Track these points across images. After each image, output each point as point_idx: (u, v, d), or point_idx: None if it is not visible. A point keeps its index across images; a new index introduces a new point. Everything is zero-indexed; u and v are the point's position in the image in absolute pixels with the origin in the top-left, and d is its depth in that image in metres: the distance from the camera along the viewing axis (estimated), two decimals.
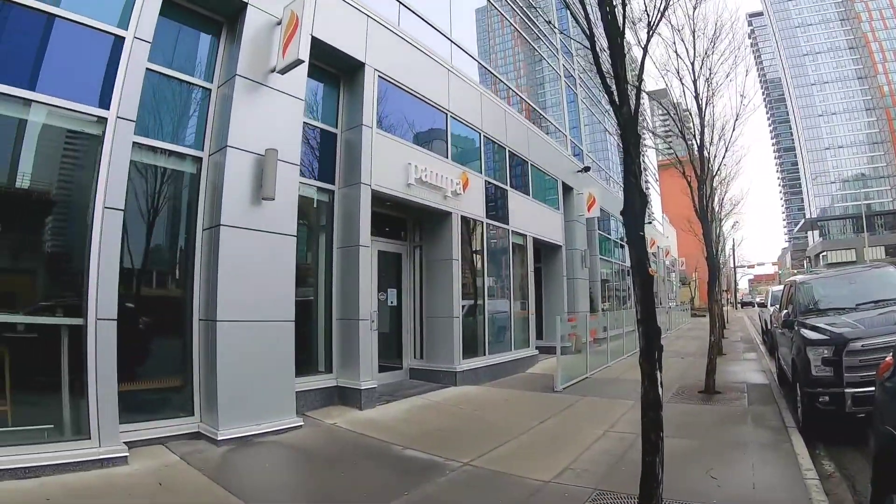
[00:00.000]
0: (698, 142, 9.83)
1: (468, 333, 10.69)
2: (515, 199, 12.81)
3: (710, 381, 8.87)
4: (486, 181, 11.52)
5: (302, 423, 6.71)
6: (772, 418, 7.03)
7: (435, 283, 10.36)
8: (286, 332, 6.87)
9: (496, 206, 12.14)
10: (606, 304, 20.75)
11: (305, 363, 7.99)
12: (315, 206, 8.56)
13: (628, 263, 24.98)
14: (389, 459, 5.71)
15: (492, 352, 11.12)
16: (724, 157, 10.23)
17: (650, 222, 30.68)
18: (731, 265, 23.47)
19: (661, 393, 3.56)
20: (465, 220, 10.74)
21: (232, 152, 6.41)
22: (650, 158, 35.21)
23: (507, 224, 12.35)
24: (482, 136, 11.65)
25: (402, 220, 10.77)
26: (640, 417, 3.60)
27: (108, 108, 5.29)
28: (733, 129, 10.75)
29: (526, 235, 13.21)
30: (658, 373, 3.53)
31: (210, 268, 6.32)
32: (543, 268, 15.88)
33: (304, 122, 7.83)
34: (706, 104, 9.84)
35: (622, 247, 24.14)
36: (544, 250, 15.59)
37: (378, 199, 8.82)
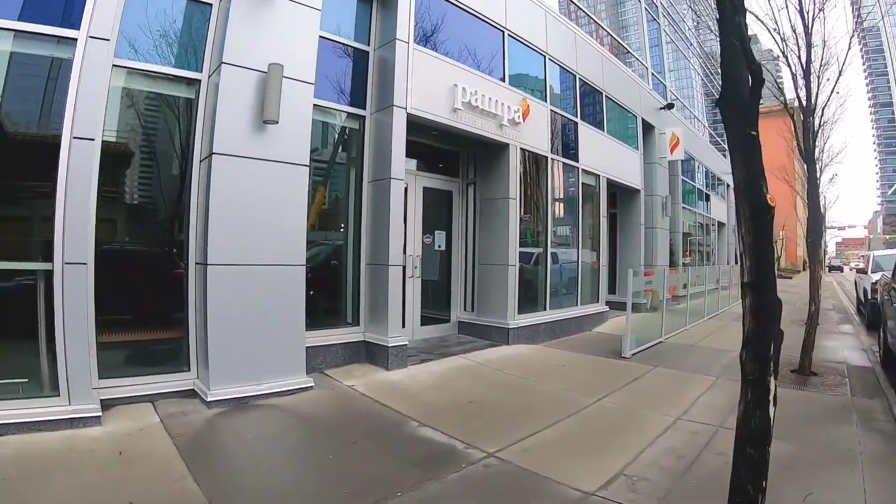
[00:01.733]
0: (804, 65, 7.86)
1: (526, 285, 9.41)
2: (587, 134, 11.18)
3: (807, 359, 7.32)
4: (551, 111, 9.96)
5: (312, 384, 5.82)
6: (882, 418, 5.45)
7: (489, 226, 9.07)
8: (295, 279, 5.89)
9: (564, 140, 10.59)
10: (688, 258, 18.82)
11: (330, 314, 7.18)
12: (342, 133, 7.52)
13: (713, 215, 23.17)
14: (398, 439, 4.61)
15: (553, 306, 9.79)
16: (835, 84, 8.16)
17: None
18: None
19: (772, 416, 2.31)
20: (525, 155, 9.31)
21: (227, 70, 5.48)
22: None
23: (577, 161, 10.79)
24: (547, 60, 10.02)
25: (454, 153, 9.46)
26: (733, 452, 2.40)
27: (78, 28, 4.55)
28: (848, 49, 8.58)
29: (598, 176, 11.60)
30: (772, 381, 2.37)
31: (204, 204, 5.45)
32: (619, 214, 14.20)
33: (331, 40, 6.93)
34: (812, 20, 7.83)
35: (707, 197, 21.95)
36: (620, 194, 13.92)
37: (418, 126, 7.62)
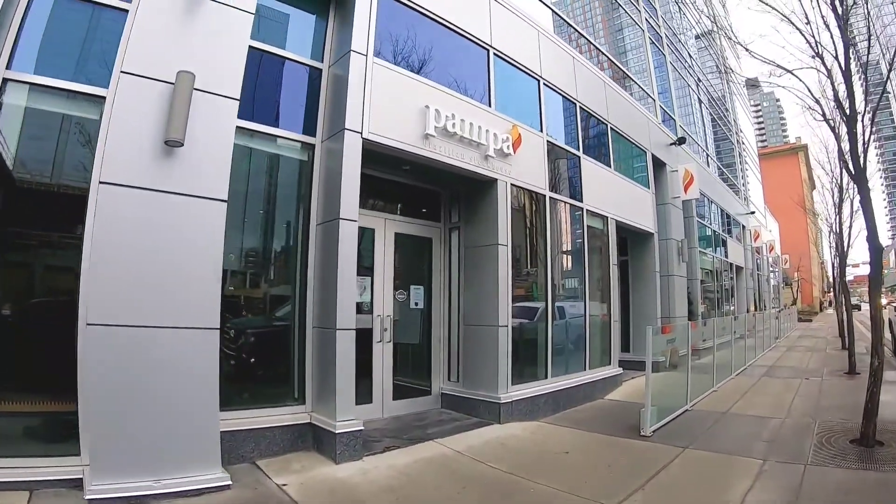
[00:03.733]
0: (842, 65, 6.47)
1: (523, 348, 7.85)
2: (591, 170, 9.74)
3: (871, 426, 5.67)
4: (548, 142, 8.55)
5: (229, 482, 4.44)
6: None
7: (476, 279, 7.56)
8: (205, 346, 4.57)
9: (565, 176, 9.18)
10: (703, 306, 17.14)
11: (270, 389, 5.81)
12: (287, 165, 6.14)
13: (731, 259, 21.55)
14: None
15: (557, 373, 8.14)
16: (886, 81, 6.76)
17: (752, 212, 26.46)
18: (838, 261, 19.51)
19: None
20: (518, 193, 7.87)
21: (126, 81, 4.38)
22: (748, 140, 30.88)
23: (581, 201, 9.31)
24: (541, 84, 8.67)
25: (433, 193, 8.06)
26: None
27: None
28: None
29: (606, 218, 10.09)
30: None
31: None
32: (631, 261, 12.62)
33: (275, 55, 5.87)
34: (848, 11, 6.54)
35: (724, 241, 20.43)
36: (631, 239, 12.38)
37: (382, 157, 6.33)
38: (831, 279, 51.02)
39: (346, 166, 5.62)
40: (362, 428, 5.47)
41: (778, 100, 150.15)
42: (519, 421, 7.03)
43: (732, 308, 21.54)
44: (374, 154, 6.09)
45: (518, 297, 7.78)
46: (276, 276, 6.13)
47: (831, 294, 58.83)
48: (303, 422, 5.62)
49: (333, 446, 5.24)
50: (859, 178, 6.57)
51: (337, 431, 5.26)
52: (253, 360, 5.69)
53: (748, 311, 22.41)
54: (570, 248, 9.27)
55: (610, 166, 10.49)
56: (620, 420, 7.18)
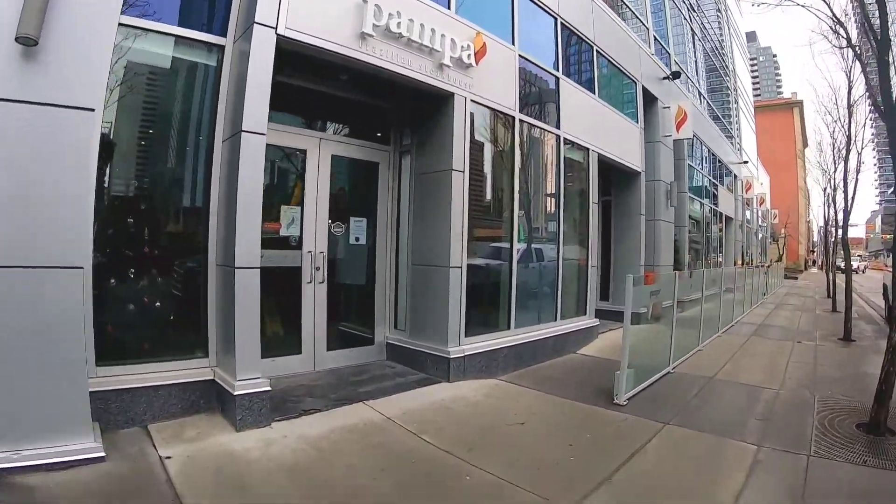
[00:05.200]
0: None
1: (481, 294, 6.78)
2: (571, 95, 8.48)
3: (883, 412, 4.68)
4: (520, 56, 7.25)
5: (102, 454, 3.52)
6: None
7: (427, 211, 6.41)
8: (68, 290, 3.50)
9: (538, 98, 7.93)
10: (690, 256, 16.15)
11: (169, 338, 4.72)
12: (190, 72, 4.88)
13: (721, 208, 20.46)
14: None
15: (522, 324, 7.08)
16: None
17: (745, 162, 25.29)
18: (834, 220, 18.60)
19: None
20: (480, 111, 6.63)
21: None
22: (745, 88, 29.44)
23: (557, 128, 8.08)
24: None
25: (382, 110, 6.84)
26: None
27: None
28: None
29: (588, 150, 8.90)
30: None
31: None
32: (614, 202, 11.52)
33: None
34: None
35: (715, 188, 19.34)
36: (616, 177, 11.23)
37: (310, 62, 5.27)
38: (816, 239, 50.22)
39: (253, 68, 4.41)
40: (268, 389, 4.42)
41: (775, 55, 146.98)
42: (473, 379, 6.02)
43: (720, 260, 20.63)
44: (299, 58, 4.99)
45: (478, 237, 6.68)
46: (177, 206, 4.95)
47: (814, 254, 58.49)
48: (206, 378, 4.59)
49: (234, 409, 4.22)
50: (889, 113, 5.44)
51: (235, 393, 4.24)
52: (149, 305, 4.60)
53: (736, 264, 21.56)
54: (542, 182, 8.08)
55: (594, 93, 9.22)
56: (592, 381, 6.19)
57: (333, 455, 3.92)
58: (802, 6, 6.76)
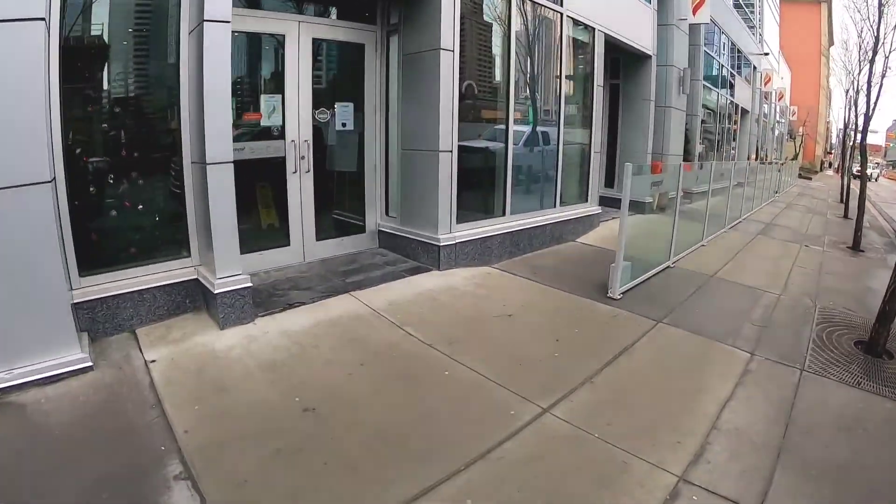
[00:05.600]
0: None
1: (474, 179, 6.53)
2: None
3: (883, 334, 4.44)
4: None
5: (90, 365, 3.46)
6: None
7: (416, 93, 6.02)
8: (37, 205, 3.26)
9: None
10: (702, 147, 15.61)
11: (151, 241, 4.46)
12: None
13: (737, 100, 19.58)
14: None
15: (518, 210, 6.86)
16: None
17: (766, 53, 23.97)
18: (854, 124, 17.76)
19: None
20: None
21: None
22: None
23: (560, 5, 7.49)
24: None
25: None
26: None
27: None
28: None
29: (594, 30, 8.29)
30: None
31: None
32: (622, 86, 10.97)
33: None
34: None
35: (732, 77, 18.44)
36: (624, 61, 10.63)
37: None
38: (835, 141, 48.61)
39: None
40: (249, 285, 4.29)
41: None
42: (465, 267, 5.89)
43: (733, 153, 20.03)
44: None
45: (470, 118, 6.32)
46: (150, 107, 4.53)
47: (831, 155, 56.68)
48: (190, 278, 4.45)
49: (216, 307, 4.14)
50: None
51: (216, 291, 4.12)
52: (129, 210, 4.35)
53: (749, 159, 20.97)
54: (543, 62, 7.58)
55: None
56: (588, 271, 6.04)
57: (313, 350, 3.84)
58: None
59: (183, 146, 4.39)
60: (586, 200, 8.45)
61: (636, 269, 5.71)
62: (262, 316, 4.40)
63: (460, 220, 5.98)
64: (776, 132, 32.32)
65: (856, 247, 9.63)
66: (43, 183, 3.26)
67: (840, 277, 7.19)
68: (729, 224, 10.18)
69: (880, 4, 10.89)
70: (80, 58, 4.00)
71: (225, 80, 4.13)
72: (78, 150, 3.99)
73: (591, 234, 8.16)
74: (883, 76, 12.17)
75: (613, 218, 8.83)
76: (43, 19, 3.28)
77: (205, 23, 3.99)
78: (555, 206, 7.57)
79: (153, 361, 3.59)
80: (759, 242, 9.22)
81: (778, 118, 32.10)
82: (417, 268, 5.79)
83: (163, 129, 4.49)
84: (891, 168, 51.34)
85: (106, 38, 4.20)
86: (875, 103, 11.36)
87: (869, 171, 13.43)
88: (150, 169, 4.44)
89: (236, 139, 5.09)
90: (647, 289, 5.67)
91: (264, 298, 4.74)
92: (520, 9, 6.76)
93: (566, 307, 4.99)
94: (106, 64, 4.25)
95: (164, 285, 4.29)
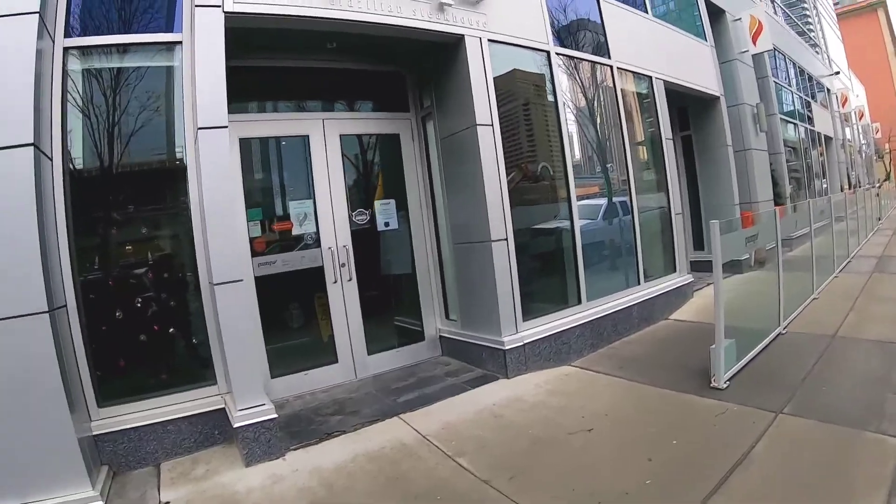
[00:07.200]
0: None
1: (539, 267, 5.75)
2: (620, 17, 7.11)
3: None
4: None
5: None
6: None
7: (457, 178, 5.41)
8: (34, 337, 3.10)
9: (578, 27, 6.64)
10: (791, 187, 14.17)
11: (174, 369, 4.13)
12: (149, 81, 4.11)
13: (818, 128, 18.03)
14: None
15: (596, 294, 5.93)
16: None
17: (837, 72, 22.41)
18: None
19: None
20: (504, 52, 5.46)
21: None
22: None
23: (607, 57, 6.79)
24: None
25: (392, 75, 5.88)
26: None
27: None
28: None
29: (650, 78, 7.50)
30: None
31: None
32: (694, 136, 9.97)
33: None
34: None
35: (807, 105, 17.07)
36: (692, 107, 9.69)
37: (283, 37, 4.66)
38: None
39: (200, 56, 3.79)
40: (274, 416, 3.72)
41: None
42: (538, 370, 5.00)
43: (825, 186, 18.30)
44: (269, 34, 4.40)
45: (526, 199, 5.58)
46: (162, 227, 4.24)
47: None
48: (217, 407, 3.97)
49: (239, 444, 3.58)
50: None
51: (235, 425, 3.59)
52: (147, 336, 3.99)
53: (842, 189, 19.15)
54: (600, 123, 6.82)
55: (646, 11, 7.82)
56: (685, 356, 5.03)
57: (344, 495, 3.12)
58: None
59: (198, 265, 4.00)
60: (674, 270, 7.41)
61: (742, 345, 4.65)
62: (295, 449, 3.79)
63: (527, 315, 5.15)
64: (863, 154, 30.01)
65: None
66: (37, 314, 3.07)
67: None
68: (838, 267, 8.83)
69: None
70: (87, 182, 3.86)
71: (224, 192, 3.79)
72: (90, 276, 3.81)
73: (685, 308, 7.09)
74: None
75: (709, 284, 7.72)
76: (31, 144, 3.15)
77: (199, 131, 3.71)
78: (639, 283, 6.59)
79: (167, 503, 3.22)
80: (878, 282, 7.84)
81: (862, 139, 29.87)
82: (483, 377, 4.96)
83: (178, 248, 4.18)
84: None
85: (112, 160, 3.98)
86: None
87: None
88: (170, 291, 4.11)
89: (267, 252, 4.95)
90: (757, 368, 4.59)
91: (303, 426, 4.18)
92: (564, 69, 6.12)
93: (660, 409, 4.00)
94: (115, 185, 4.01)
95: (190, 416, 3.91)
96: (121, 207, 4.01)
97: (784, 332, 5.57)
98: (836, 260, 8.85)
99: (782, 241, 6.20)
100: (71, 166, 3.71)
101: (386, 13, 4.60)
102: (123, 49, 3.94)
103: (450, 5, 4.92)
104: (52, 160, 3.54)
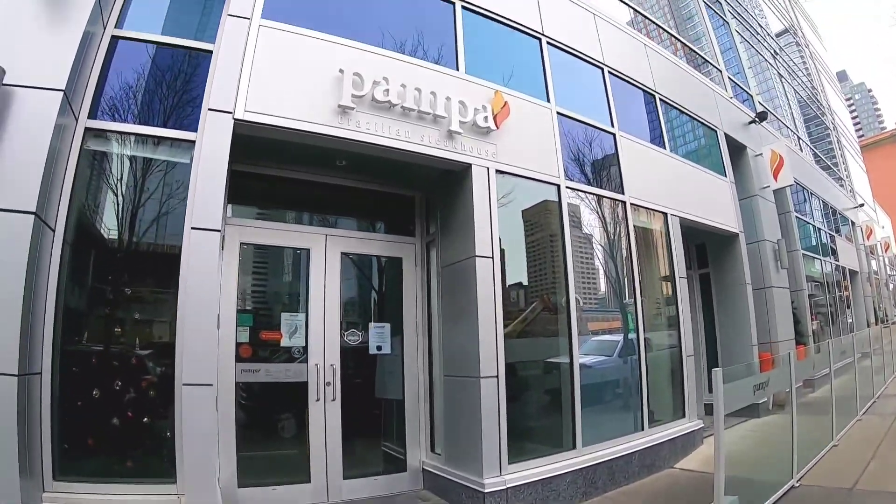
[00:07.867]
0: None
1: (531, 405, 5.52)
2: (635, 152, 7.21)
3: None
4: (558, 115, 6.20)
5: None
6: None
7: (454, 309, 5.32)
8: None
9: (592, 161, 6.73)
10: (815, 323, 13.74)
11: (139, 458, 3.97)
12: (160, 171, 4.29)
13: (842, 262, 17.71)
14: None
15: (592, 439, 5.58)
16: None
17: (861, 205, 22.37)
18: None
19: None
20: (511, 182, 5.53)
21: None
22: (845, 125, 26.48)
23: (621, 192, 6.81)
24: (544, 43, 6.41)
25: (401, 198, 6.00)
26: None
27: None
28: None
29: (665, 214, 7.47)
30: None
31: None
32: (713, 273, 9.80)
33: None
34: None
35: (832, 239, 16.91)
36: (710, 244, 9.61)
37: (294, 149, 4.78)
38: None
39: (203, 157, 3.99)
40: None
41: (870, 90, 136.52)
42: None
43: (850, 321, 17.76)
44: (279, 145, 4.55)
45: (523, 333, 5.44)
46: (148, 315, 4.23)
47: None
48: None
49: None
50: None
51: None
52: (113, 419, 3.89)
53: (869, 325, 18.57)
54: (609, 257, 6.75)
55: (664, 147, 7.92)
56: None
57: None
58: None
59: (175, 361, 3.86)
60: (683, 415, 6.99)
61: (748, 501, 4.30)
62: None
63: (514, 457, 4.85)
64: (891, 287, 29.43)
65: None
66: (8, 375, 3.14)
67: None
68: (861, 409, 8.32)
69: None
70: (86, 258, 3.98)
71: (207, 294, 3.86)
72: (74, 349, 3.79)
73: (692, 456, 6.66)
74: None
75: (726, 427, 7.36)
76: (33, 213, 3.31)
77: (191, 230, 3.81)
78: (642, 429, 6.22)
79: None
80: None
81: (889, 271, 29.40)
82: None
83: (165, 337, 4.05)
84: None
85: (109, 241, 4.13)
86: None
87: None
88: (150, 380, 4.03)
89: (252, 359, 4.84)
90: None
91: None
92: (574, 202, 6.13)
93: None
94: (114, 265, 4.13)
95: None
96: (116, 288, 4.06)
97: (797, 484, 5.16)
98: (860, 400, 8.37)
99: (803, 384, 5.85)
100: (72, 240, 3.79)
101: (394, 136, 4.74)
102: (143, 140, 4.13)
103: (459, 133, 5.05)
104: (54, 231, 3.64)
